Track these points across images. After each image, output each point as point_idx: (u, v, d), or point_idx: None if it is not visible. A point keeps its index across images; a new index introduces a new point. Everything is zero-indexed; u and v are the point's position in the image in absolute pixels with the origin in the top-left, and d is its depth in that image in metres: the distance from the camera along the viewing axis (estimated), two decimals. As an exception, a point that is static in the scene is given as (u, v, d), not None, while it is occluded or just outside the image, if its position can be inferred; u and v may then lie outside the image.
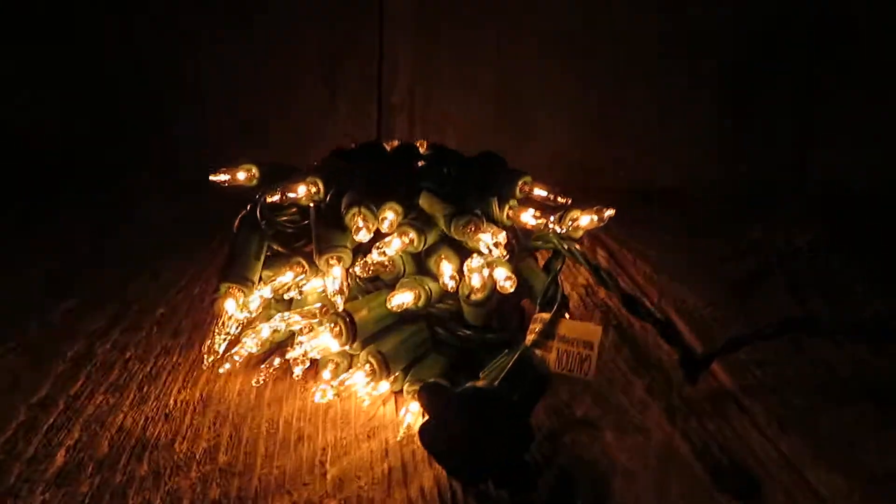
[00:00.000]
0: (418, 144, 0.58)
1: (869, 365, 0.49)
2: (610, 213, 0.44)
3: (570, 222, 0.46)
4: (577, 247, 0.45)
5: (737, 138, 1.06)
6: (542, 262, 0.51)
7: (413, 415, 0.41)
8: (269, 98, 1.02)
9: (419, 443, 0.37)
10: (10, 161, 0.93)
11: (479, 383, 0.36)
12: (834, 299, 0.62)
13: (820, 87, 1.04)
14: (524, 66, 1.03)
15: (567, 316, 0.45)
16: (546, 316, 0.43)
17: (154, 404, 0.43)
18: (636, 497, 0.36)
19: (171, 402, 0.44)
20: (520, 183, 0.50)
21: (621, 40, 1.02)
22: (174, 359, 0.49)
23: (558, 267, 0.46)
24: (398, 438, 0.40)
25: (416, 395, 0.38)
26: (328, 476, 0.37)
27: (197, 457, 0.38)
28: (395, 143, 0.58)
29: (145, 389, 0.45)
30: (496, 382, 0.37)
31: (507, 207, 0.46)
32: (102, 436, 0.40)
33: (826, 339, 0.52)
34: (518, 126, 1.04)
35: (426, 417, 0.37)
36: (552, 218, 0.46)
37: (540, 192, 0.51)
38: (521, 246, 0.48)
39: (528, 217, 0.46)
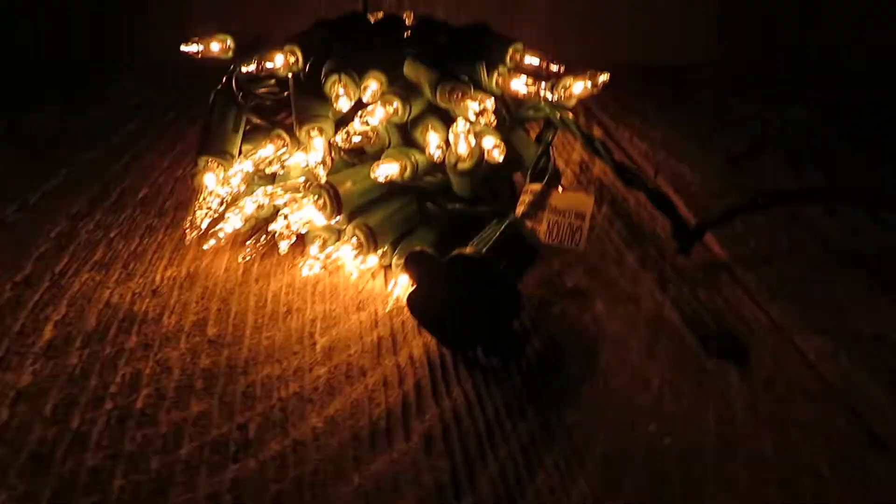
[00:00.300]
0: (405, 16, 0.55)
1: (863, 233, 0.49)
2: (604, 77, 0.42)
3: (563, 90, 0.43)
4: (570, 115, 0.44)
5: (736, 16, 1.01)
6: (534, 136, 0.49)
7: (402, 288, 0.41)
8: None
9: (408, 313, 0.37)
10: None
11: (467, 250, 0.35)
12: (830, 171, 0.61)
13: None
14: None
15: (559, 188, 0.44)
16: (536, 187, 0.42)
17: (140, 281, 0.43)
18: (623, 362, 0.36)
19: (158, 278, 0.43)
20: (510, 50, 0.47)
21: None
22: (159, 237, 0.48)
23: (550, 137, 0.45)
24: (387, 310, 0.40)
25: (403, 265, 0.37)
26: (317, 346, 0.37)
27: (186, 329, 0.38)
28: (380, 14, 0.55)
29: (131, 267, 0.44)
30: (483, 251, 0.36)
31: (496, 74, 0.44)
32: (90, 311, 0.40)
33: (821, 208, 0.51)
34: (511, 1, 0.99)
35: (414, 286, 0.36)
36: (544, 85, 0.43)
37: (532, 60, 0.48)
38: (511, 116, 0.46)
39: (519, 85, 0.44)
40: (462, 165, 0.41)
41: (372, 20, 0.53)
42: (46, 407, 0.32)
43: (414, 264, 0.36)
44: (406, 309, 0.37)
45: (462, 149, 0.40)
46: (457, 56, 0.45)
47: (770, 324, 0.39)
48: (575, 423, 0.32)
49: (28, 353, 0.36)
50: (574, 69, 0.44)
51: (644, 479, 0.29)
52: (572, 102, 0.45)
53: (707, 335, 0.38)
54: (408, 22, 0.53)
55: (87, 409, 0.32)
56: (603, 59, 1.00)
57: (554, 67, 0.48)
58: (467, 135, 0.40)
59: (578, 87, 0.44)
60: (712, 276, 0.44)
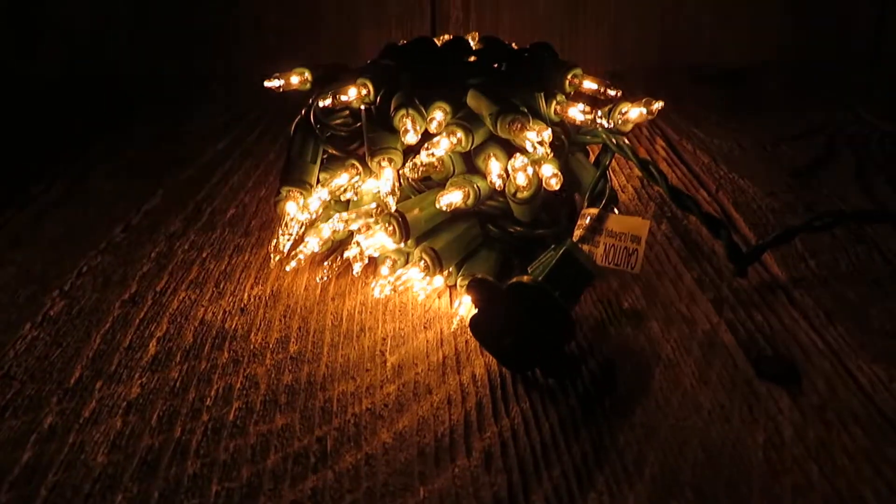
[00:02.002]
0: (470, 38, 0.57)
1: (932, 254, 0.48)
2: (659, 105, 0.44)
3: (619, 116, 0.45)
4: (626, 141, 0.45)
5: (806, 16, 0.99)
6: (593, 157, 0.51)
7: (466, 307, 0.44)
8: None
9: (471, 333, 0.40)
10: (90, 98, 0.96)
11: (525, 278, 0.38)
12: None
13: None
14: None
15: (616, 211, 0.46)
16: (594, 211, 0.44)
17: (230, 299, 0.47)
18: (676, 384, 0.38)
19: (246, 296, 0.48)
20: (569, 76, 0.49)
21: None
22: (246, 257, 0.53)
23: (607, 161, 0.46)
24: (452, 329, 0.43)
25: (466, 289, 0.40)
26: (388, 364, 0.41)
27: (270, 346, 0.43)
28: (446, 37, 0.57)
29: (222, 286, 0.49)
30: (540, 277, 0.38)
31: (553, 103, 0.46)
32: (187, 328, 0.44)
33: (889, 226, 0.51)
34: (576, 4, 1.00)
35: (476, 310, 0.39)
36: (600, 112, 0.45)
37: (590, 84, 0.50)
38: (570, 141, 0.48)
39: (576, 112, 0.46)
40: (521, 195, 0.44)
41: (438, 43, 0.56)
42: (153, 417, 0.37)
43: (475, 290, 0.38)
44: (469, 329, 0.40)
45: (521, 180, 0.43)
46: (517, 85, 0.48)
47: (825, 348, 0.40)
48: (626, 444, 0.34)
49: (136, 367, 0.41)
50: (631, 96, 0.46)
51: (691, 501, 0.31)
52: (628, 128, 0.47)
53: (760, 358, 0.39)
54: (472, 44, 0.56)
55: (187, 419, 0.37)
56: (668, 61, 1.00)
57: (611, 92, 0.49)
58: (525, 168, 0.42)
59: (634, 113, 0.45)
60: (769, 298, 0.45)
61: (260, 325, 0.45)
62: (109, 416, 0.37)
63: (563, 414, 0.36)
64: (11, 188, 0.67)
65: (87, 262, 0.53)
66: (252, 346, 0.43)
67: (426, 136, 0.45)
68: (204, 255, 0.53)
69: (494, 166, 0.45)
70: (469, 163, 0.47)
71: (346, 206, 0.51)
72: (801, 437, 0.34)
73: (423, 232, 0.46)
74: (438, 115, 0.45)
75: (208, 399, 0.38)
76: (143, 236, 0.57)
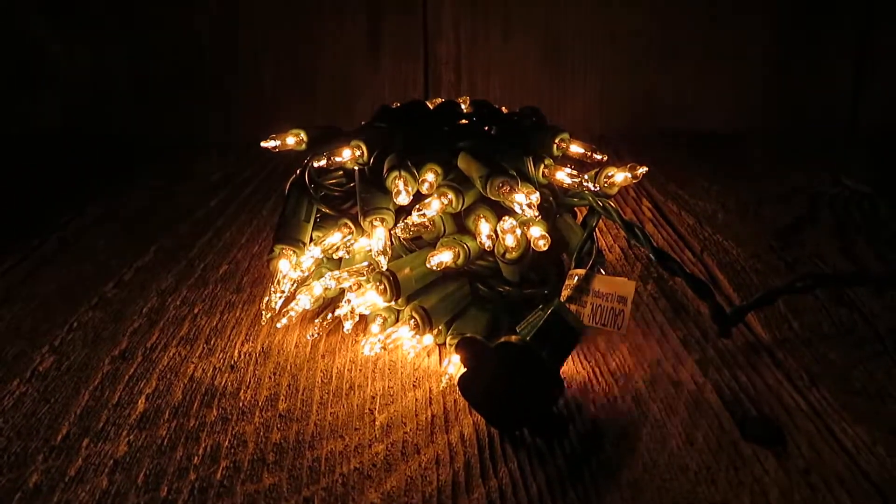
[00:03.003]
0: (461, 101, 0.59)
1: (911, 316, 0.49)
2: (643, 170, 0.45)
3: (605, 179, 0.47)
4: (612, 203, 0.47)
5: (786, 81, 1.03)
6: (580, 218, 0.52)
7: (455, 366, 0.44)
8: (315, 52, 1.04)
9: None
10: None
11: (513, 338, 0.39)
12: (880, 246, 0.61)
13: (875, 28, 1.00)
14: (570, 9, 1.01)
15: (603, 271, 0.47)
16: (581, 271, 0.45)
17: (220, 356, 0.48)
18: (663, 445, 0.38)
19: (236, 353, 0.48)
20: (557, 140, 0.51)
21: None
22: (237, 314, 0.53)
23: (594, 223, 0.48)
24: (441, 388, 0.44)
25: (455, 348, 0.40)
26: (377, 422, 0.41)
27: (260, 404, 0.43)
28: (438, 100, 0.59)
29: (212, 342, 0.49)
30: (528, 337, 0.39)
31: (542, 166, 0.48)
32: (176, 385, 0.45)
33: (868, 289, 0.52)
34: (564, 72, 1.03)
35: (464, 369, 0.40)
36: (586, 176, 0.47)
37: (577, 148, 0.52)
38: (558, 203, 0.50)
39: (564, 175, 0.47)
40: (510, 256, 0.45)
41: (430, 106, 0.58)
42: (139, 476, 0.37)
43: (464, 349, 0.39)
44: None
45: (510, 242, 0.44)
46: (506, 148, 0.49)
47: (809, 409, 0.40)
48: (613, 506, 0.34)
49: (124, 424, 0.41)
50: (617, 160, 0.48)
51: (678, 564, 0.31)
52: (614, 191, 0.48)
53: (745, 420, 0.39)
54: (464, 108, 0.58)
55: (174, 479, 0.36)
56: (654, 127, 1.03)
57: (598, 156, 0.51)
58: (514, 230, 0.44)
59: (620, 177, 0.47)
60: (753, 359, 0.45)
61: (250, 382, 0.45)
62: (95, 475, 0.37)
63: (550, 474, 0.36)
64: (5, 243, 0.67)
65: (77, 318, 0.53)
66: (241, 404, 0.43)
67: (418, 197, 0.47)
68: (196, 310, 0.54)
69: (484, 227, 0.46)
70: (459, 223, 0.48)
71: (338, 264, 0.52)
72: (786, 500, 0.34)
73: (414, 291, 0.47)
74: (430, 176, 0.46)
75: (196, 458, 0.38)
76: (134, 292, 0.57)
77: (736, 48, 1.01)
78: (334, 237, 0.49)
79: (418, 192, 0.47)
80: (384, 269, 0.46)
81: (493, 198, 0.46)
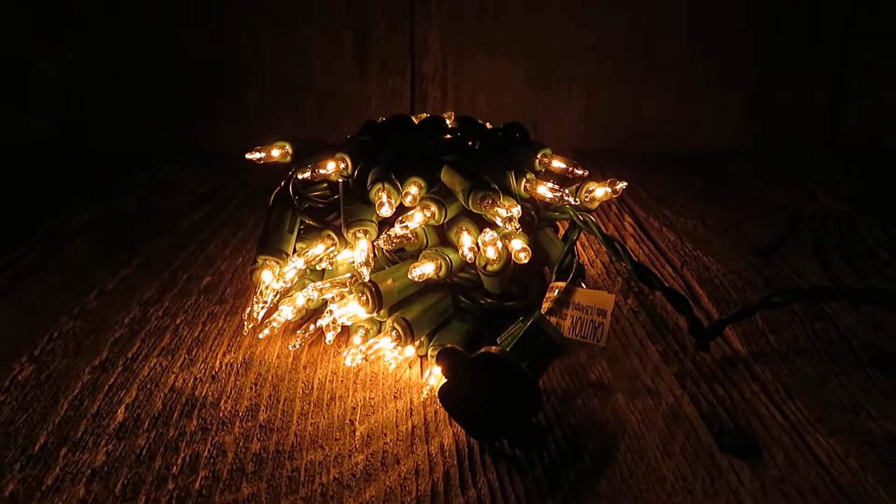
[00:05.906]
0: (446, 116, 0.60)
1: (885, 331, 0.50)
2: (622, 185, 0.46)
3: (586, 194, 0.48)
4: (592, 218, 0.47)
5: (767, 100, 1.05)
6: (562, 232, 0.53)
7: (436, 377, 0.44)
8: (302, 67, 1.05)
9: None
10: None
11: (493, 349, 0.39)
12: (857, 262, 0.62)
13: (854, 48, 1.02)
14: (555, 28, 1.03)
15: (583, 285, 0.47)
16: (562, 284, 0.46)
17: (202, 366, 0.48)
18: (641, 456, 0.38)
19: (217, 364, 0.48)
20: (539, 156, 0.52)
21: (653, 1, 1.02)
22: (219, 324, 0.53)
23: (574, 237, 0.48)
24: (422, 399, 0.44)
25: (435, 359, 0.41)
26: (357, 433, 0.41)
27: (240, 414, 0.43)
28: (423, 115, 0.60)
29: (194, 353, 0.49)
30: (508, 348, 0.39)
31: (524, 180, 0.48)
32: (157, 395, 0.44)
33: (844, 304, 0.53)
34: (549, 89, 1.05)
35: (445, 380, 0.40)
36: (567, 190, 0.47)
37: (559, 164, 0.52)
38: (540, 217, 0.50)
39: (545, 190, 0.48)
40: (491, 268, 0.45)
41: (416, 121, 0.59)
42: (117, 486, 0.36)
43: (444, 360, 0.39)
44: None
45: (490, 254, 0.44)
46: (489, 162, 0.50)
47: (785, 422, 0.41)
48: (591, 516, 0.34)
49: (103, 433, 0.41)
50: (598, 176, 0.48)
51: (653, 574, 0.31)
52: (594, 206, 0.49)
53: (722, 432, 0.40)
54: (448, 123, 0.58)
55: (152, 488, 0.36)
56: (637, 145, 1.05)
57: (579, 172, 0.52)
58: (495, 242, 0.44)
59: (600, 192, 0.48)
60: (730, 372, 0.46)
61: (230, 392, 0.45)
62: (72, 484, 0.36)
63: (529, 485, 0.36)
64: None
65: (58, 328, 0.53)
66: (221, 414, 0.42)
67: (401, 210, 0.47)
68: (178, 321, 0.54)
69: (466, 240, 0.46)
70: (442, 236, 0.49)
71: (321, 275, 0.52)
72: (761, 510, 0.34)
73: (396, 302, 0.47)
74: (413, 189, 0.47)
75: (175, 467, 0.38)
76: (116, 302, 0.57)
77: (719, 67, 1.03)
78: (317, 248, 0.49)
79: (401, 204, 0.47)
80: (367, 280, 0.46)
81: (475, 211, 0.46)
